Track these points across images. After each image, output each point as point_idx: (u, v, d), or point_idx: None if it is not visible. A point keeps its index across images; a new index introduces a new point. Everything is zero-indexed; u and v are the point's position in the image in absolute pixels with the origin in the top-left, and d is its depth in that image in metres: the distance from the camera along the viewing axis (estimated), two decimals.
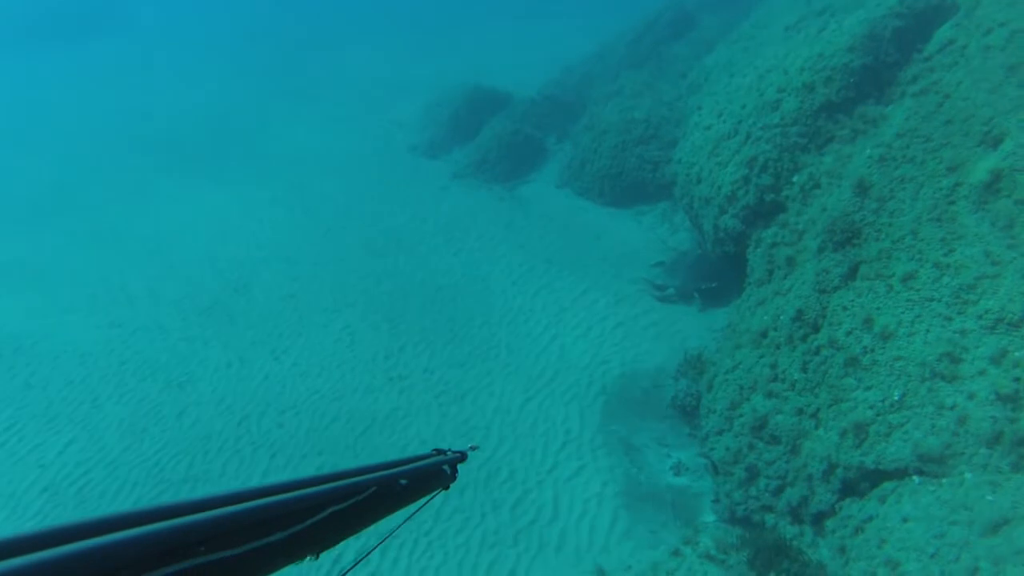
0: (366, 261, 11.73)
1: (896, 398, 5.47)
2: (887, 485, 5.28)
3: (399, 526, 1.79)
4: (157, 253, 13.09)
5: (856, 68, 8.33)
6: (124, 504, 6.94)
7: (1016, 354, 5.12)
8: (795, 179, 8.20)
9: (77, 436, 7.93)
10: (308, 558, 1.18)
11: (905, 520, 4.93)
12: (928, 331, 5.58)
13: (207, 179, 16.22)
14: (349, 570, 1.56)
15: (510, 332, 9.33)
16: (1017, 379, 5.02)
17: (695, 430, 7.88)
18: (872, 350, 5.80)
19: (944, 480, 4.98)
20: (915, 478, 5.16)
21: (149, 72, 25.58)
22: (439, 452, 1.88)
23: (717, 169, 8.94)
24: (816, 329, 6.36)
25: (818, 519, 5.78)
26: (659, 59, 16.38)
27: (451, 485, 1.86)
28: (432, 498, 1.75)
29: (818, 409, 6.03)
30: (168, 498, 7.02)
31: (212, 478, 7.20)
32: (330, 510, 1.23)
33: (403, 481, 1.54)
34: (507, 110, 16.17)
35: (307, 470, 7.23)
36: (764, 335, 6.85)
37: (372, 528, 1.38)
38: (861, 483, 5.49)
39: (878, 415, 5.51)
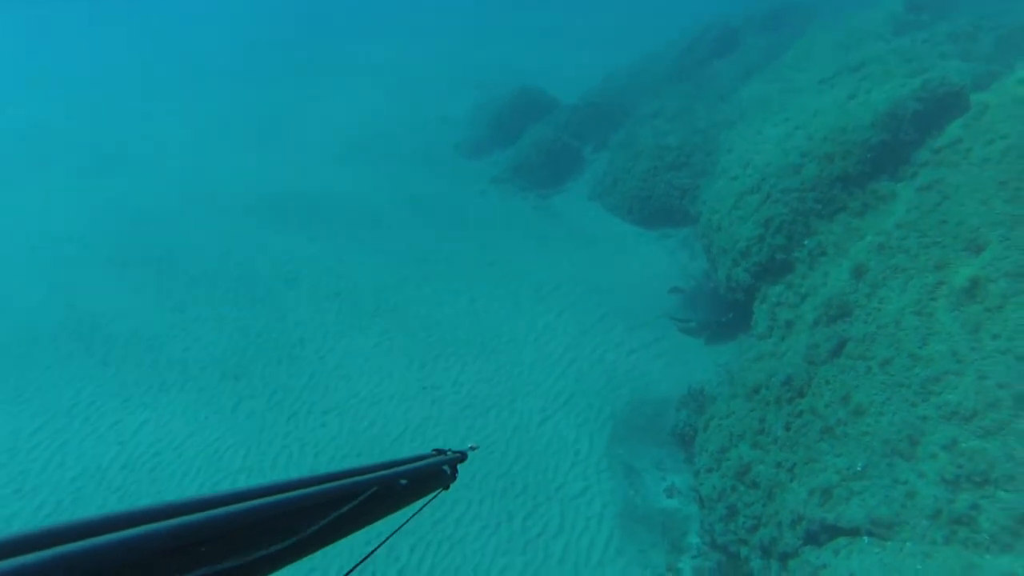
0: (406, 264, 12.75)
1: (859, 468, 6.40)
2: (841, 540, 6.25)
3: (400, 527, 1.79)
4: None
5: (874, 144, 9.06)
6: (191, 488, 8.11)
7: (963, 444, 6.01)
8: (806, 242, 9.02)
9: (148, 418, 9.13)
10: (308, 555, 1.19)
11: (851, 574, 5.91)
12: (895, 413, 6.47)
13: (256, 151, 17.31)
14: (350, 571, 1.48)
15: (535, 351, 10.34)
16: (960, 466, 5.91)
17: (690, 457, 8.87)
18: (845, 423, 6.72)
19: (888, 543, 5.94)
20: (865, 538, 6.12)
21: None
22: (439, 452, 1.91)
23: (736, 223, 9.76)
24: (801, 395, 7.28)
25: (783, 558, 6.77)
26: (700, 77, 17.00)
27: (451, 485, 1.88)
28: (432, 498, 1.77)
29: (794, 465, 6.98)
30: (226, 486, 8.10)
31: (264, 470, 8.35)
32: (334, 514, 1.26)
33: (403, 481, 1.55)
34: (549, 116, 16.96)
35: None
36: (757, 391, 7.78)
37: (368, 528, 1.39)
38: (821, 535, 6.47)
39: (842, 480, 6.46)
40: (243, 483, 8.26)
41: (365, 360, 10.18)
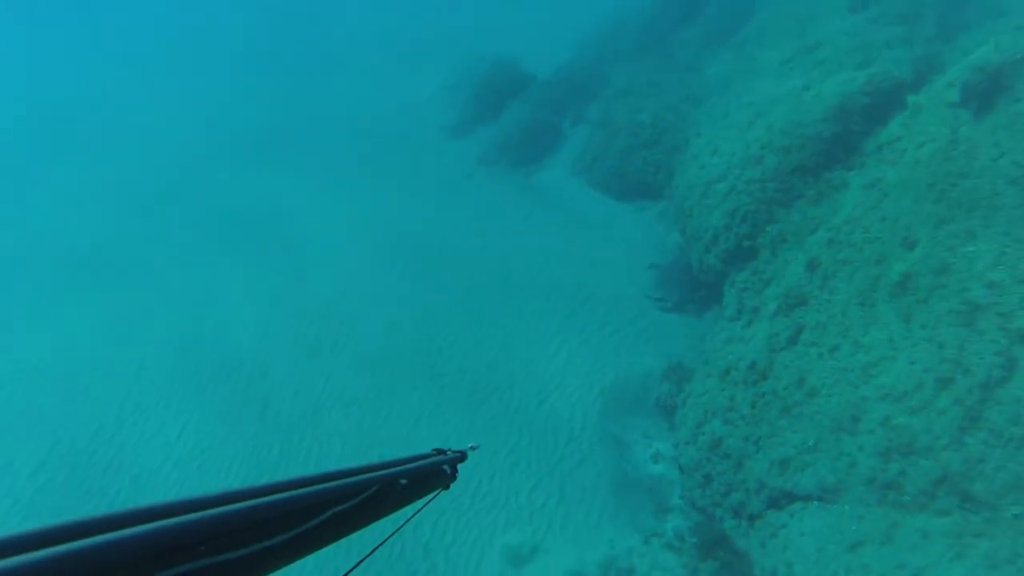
0: (404, 255, 13.63)
1: (811, 443, 7.59)
2: (797, 505, 7.49)
3: (400, 527, 1.78)
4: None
5: (827, 137, 9.97)
6: (236, 481, 9.20)
7: (895, 420, 7.18)
8: (768, 229, 10.01)
9: (188, 420, 10.16)
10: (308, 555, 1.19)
11: (802, 534, 7.17)
12: (841, 394, 7.62)
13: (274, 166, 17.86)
14: (350, 571, 1.49)
15: (526, 337, 11.39)
16: (891, 439, 7.10)
17: (672, 425, 10.06)
18: (800, 403, 7.88)
19: (833, 507, 7.18)
20: (815, 503, 7.36)
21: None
22: (439, 452, 1.90)
23: (706, 212, 10.71)
24: (764, 378, 8.41)
25: (751, 519, 8.03)
26: (668, 46, 17.61)
27: (451, 485, 1.87)
28: (433, 498, 1.76)
29: (759, 439, 8.16)
30: (267, 478, 9.15)
31: (299, 461, 9.46)
32: (332, 511, 1.25)
33: (403, 481, 1.55)
34: (526, 93, 17.55)
35: (371, 458, 9.45)
36: (727, 373, 8.91)
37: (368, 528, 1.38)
38: (781, 500, 7.70)
39: (798, 453, 7.65)
40: (281, 476, 9.38)
41: (376, 352, 11.21)
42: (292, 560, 1.14)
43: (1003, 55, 8.51)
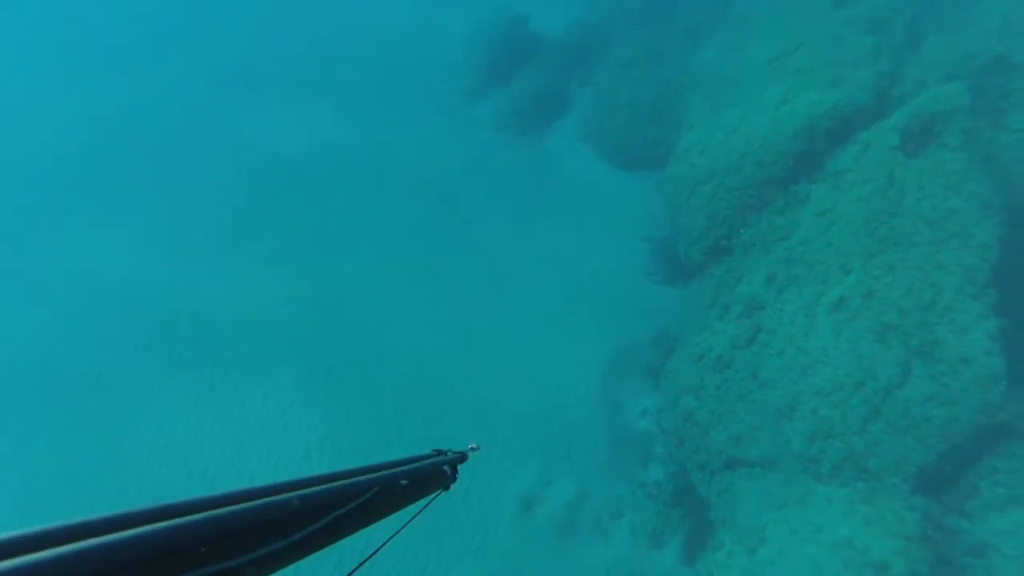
0: (426, 219, 15.69)
1: (758, 424, 10.09)
2: (744, 469, 10.08)
3: (400, 528, 1.80)
4: None
5: (795, 153, 11.77)
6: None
7: (821, 412, 9.61)
8: (742, 231, 12.06)
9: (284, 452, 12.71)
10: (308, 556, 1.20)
11: (746, 492, 9.81)
12: (784, 388, 10.03)
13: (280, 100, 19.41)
14: (352, 572, 1.43)
15: (538, 303, 13.69)
16: (816, 426, 9.57)
17: (657, 385, 12.54)
18: (753, 392, 10.30)
19: (770, 474, 9.77)
20: (758, 469, 9.94)
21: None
22: (439, 452, 1.97)
23: (691, 212, 12.68)
24: (728, 367, 10.79)
25: (712, 473, 10.66)
26: (671, 9, 18.68)
27: (451, 486, 1.93)
28: (433, 499, 1.82)
29: (721, 414, 10.66)
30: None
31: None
32: (334, 514, 1.29)
33: (404, 482, 1.59)
34: (536, 58, 18.82)
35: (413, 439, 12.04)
36: (700, 359, 11.28)
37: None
38: (734, 463, 10.29)
39: (748, 431, 10.16)
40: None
41: (421, 319, 13.61)
42: (293, 561, 1.17)
43: (937, 105, 10.25)
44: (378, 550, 1.70)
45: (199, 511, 0.98)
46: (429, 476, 1.80)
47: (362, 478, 1.40)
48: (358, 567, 1.48)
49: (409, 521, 1.81)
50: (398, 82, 20.19)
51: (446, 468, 1.94)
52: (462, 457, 2.05)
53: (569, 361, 12.99)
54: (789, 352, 10.15)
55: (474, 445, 2.34)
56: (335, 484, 1.31)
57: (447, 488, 1.92)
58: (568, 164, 16.87)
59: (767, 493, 9.56)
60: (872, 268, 9.83)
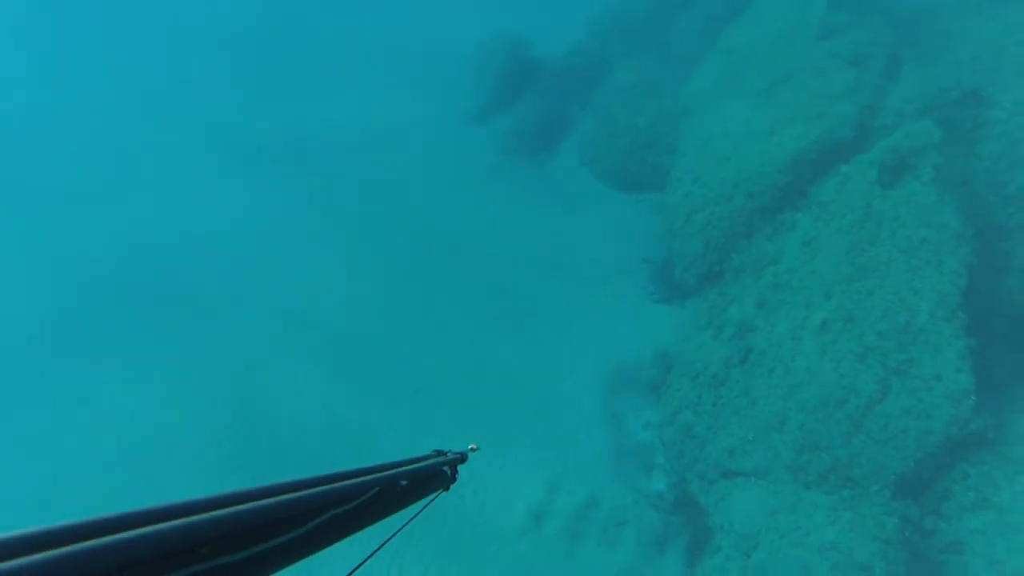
0: (428, 256, 16.59)
1: (751, 438, 10.98)
2: (739, 479, 10.97)
3: (400, 529, 1.79)
4: None
5: (783, 184, 12.68)
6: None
7: (807, 425, 10.50)
8: (733, 256, 12.96)
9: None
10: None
11: (741, 500, 10.70)
12: (774, 404, 10.92)
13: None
14: (352, 572, 1.45)
15: (548, 329, 14.59)
16: (804, 439, 10.45)
17: (658, 399, 13.43)
18: (745, 408, 11.19)
19: (762, 483, 10.67)
20: (752, 479, 10.84)
21: None
22: (439, 453, 1.98)
23: (686, 239, 13.58)
24: (722, 385, 11.68)
25: (710, 483, 11.56)
26: (668, 34, 19.59)
27: (451, 487, 1.93)
28: (432, 500, 1.82)
29: (717, 429, 11.55)
30: None
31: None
32: (332, 512, 1.29)
33: (403, 482, 1.60)
34: (537, 82, 19.71)
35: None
36: (696, 376, 12.17)
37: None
38: (729, 474, 11.19)
39: (741, 444, 11.06)
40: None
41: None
42: (292, 562, 1.17)
43: (910, 141, 11.16)
44: (377, 550, 1.67)
45: (199, 511, 0.99)
46: (429, 477, 1.82)
47: (362, 479, 1.42)
48: (358, 567, 1.47)
49: (408, 522, 1.80)
50: (403, 106, 21.08)
51: (446, 469, 1.95)
52: (462, 458, 2.07)
53: (574, 378, 13.87)
54: (778, 371, 11.05)
55: (474, 446, 2.33)
56: (335, 485, 1.33)
57: (447, 489, 1.93)
58: (570, 185, 17.76)
59: (760, 501, 10.45)
60: (853, 294, 10.72)
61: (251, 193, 19.44)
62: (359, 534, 1.38)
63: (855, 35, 14.58)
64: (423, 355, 14.61)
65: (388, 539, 1.83)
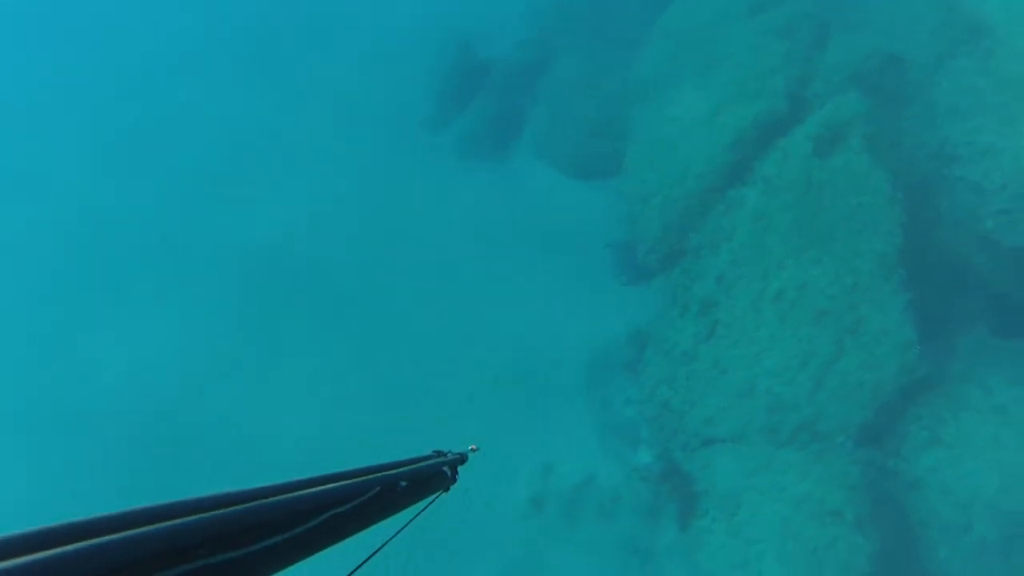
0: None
1: (724, 405, 11.88)
2: (718, 445, 11.87)
3: (399, 530, 1.78)
4: None
5: (730, 162, 13.45)
6: None
7: (774, 389, 11.41)
8: (692, 236, 13.75)
9: None
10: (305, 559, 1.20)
11: (722, 465, 11.62)
12: (742, 372, 11.81)
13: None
14: (353, 572, 1.44)
15: (525, 324, 15.33)
16: (772, 401, 11.37)
17: (636, 376, 14.28)
18: (717, 378, 12.06)
19: (739, 447, 11.59)
20: (729, 443, 11.75)
21: None
22: (439, 453, 1.97)
23: (645, 223, 14.34)
24: (694, 360, 12.53)
25: (693, 451, 12.46)
26: (604, 21, 20.13)
27: (451, 487, 1.92)
28: (432, 501, 1.82)
29: (693, 401, 12.43)
30: None
31: None
32: (331, 512, 1.28)
33: (403, 483, 1.60)
34: (488, 79, 20.18)
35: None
36: (669, 352, 13.02)
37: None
38: (709, 442, 12.10)
39: (717, 412, 11.95)
40: None
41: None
42: (292, 562, 1.17)
43: (839, 113, 11.98)
44: (377, 551, 1.65)
45: (199, 510, 0.99)
46: (429, 477, 1.81)
47: (361, 479, 1.42)
48: (358, 567, 1.47)
49: (408, 523, 1.79)
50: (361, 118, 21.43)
51: (446, 469, 1.95)
52: (462, 458, 2.07)
53: (554, 364, 14.65)
54: (743, 342, 11.92)
55: (474, 446, 2.32)
56: (334, 485, 1.33)
57: (447, 490, 1.93)
58: (528, 181, 18.38)
59: (739, 463, 11.38)
60: (803, 263, 11.59)
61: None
62: (359, 535, 1.40)
63: (783, 8, 15.30)
64: (407, 351, 15.28)
65: (388, 539, 1.80)
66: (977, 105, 11.04)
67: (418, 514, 1.78)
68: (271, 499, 1.13)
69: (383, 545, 1.72)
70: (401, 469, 1.62)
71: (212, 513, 0.99)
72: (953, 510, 10.18)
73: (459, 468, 2.08)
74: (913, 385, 10.83)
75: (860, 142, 11.71)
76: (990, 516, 9.64)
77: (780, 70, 14.01)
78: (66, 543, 0.78)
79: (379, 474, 1.49)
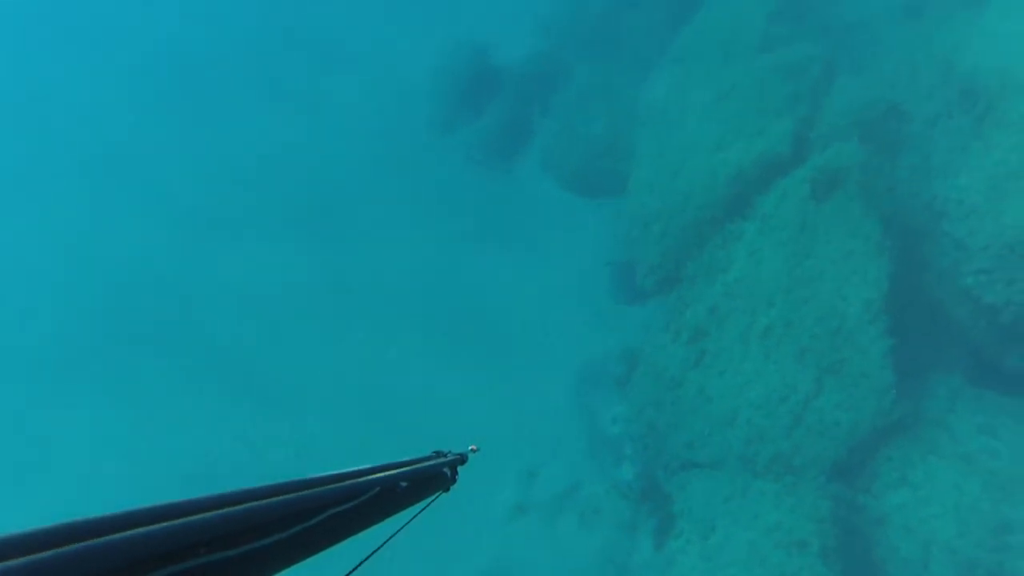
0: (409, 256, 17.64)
1: (707, 432, 12.42)
2: (696, 470, 12.43)
3: (399, 530, 1.79)
4: None
5: (730, 196, 13.94)
6: None
7: (755, 421, 11.95)
8: (689, 264, 14.26)
9: None
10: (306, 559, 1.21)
11: (699, 488, 12.17)
12: (726, 401, 12.34)
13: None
14: (352, 571, 1.44)
15: (520, 337, 15.82)
16: (752, 432, 11.91)
17: (626, 394, 14.82)
18: (701, 406, 12.60)
19: (716, 473, 12.14)
20: (708, 469, 12.30)
21: None
22: (439, 454, 1.98)
23: (645, 246, 14.83)
24: (680, 386, 13.07)
25: (673, 472, 13.01)
26: (620, 33, 20.53)
27: (451, 488, 1.94)
28: (432, 501, 1.84)
29: (677, 424, 12.97)
30: None
31: None
32: (330, 511, 1.29)
33: (403, 484, 1.61)
34: (501, 91, 20.58)
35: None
36: (658, 377, 13.55)
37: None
38: (688, 465, 12.64)
39: (698, 438, 12.49)
40: None
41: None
42: (291, 563, 1.18)
43: (838, 161, 12.47)
44: (377, 550, 1.66)
45: (198, 511, 0.99)
46: (429, 478, 1.81)
47: (361, 480, 1.42)
48: (357, 567, 1.47)
49: (407, 523, 1.80)
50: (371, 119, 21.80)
51: (446, 470, 1.95)
52: (462, 459, 2.07)
53: (547, 375, 15.17)
54: (729, 372, 12.45)
55: (474, 447, 2.32)
56: (334, 485, 1.33)
57: (447, 490, 1.93)
58: (533, 193, 18.83)
59: (716, 488, 11.94)
60: (791, 301, 12.12)
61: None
62: (358, 536, 1.41)
63: (793, 48, 15.77)
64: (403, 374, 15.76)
65: (387, 540, 1.80)
66: (967, 166, 11.53)
67: (417, 514, 1.79)
68: (271, 499, 1.14)
69: (382, 545, 1.74)
70: (401, 469, 1.63)
71: (212, 513, 1.00)
72: (913, 548, 10.75)
73: (459, 468, 2.08)
74: (887, 427, 11.38)
75: (855, 189, 12.22)
76: (946, 558, 10.21)
77: (785, 110, 14.50)
78: (66, 543, 0.78)
79: (379, 474, 1.50)
